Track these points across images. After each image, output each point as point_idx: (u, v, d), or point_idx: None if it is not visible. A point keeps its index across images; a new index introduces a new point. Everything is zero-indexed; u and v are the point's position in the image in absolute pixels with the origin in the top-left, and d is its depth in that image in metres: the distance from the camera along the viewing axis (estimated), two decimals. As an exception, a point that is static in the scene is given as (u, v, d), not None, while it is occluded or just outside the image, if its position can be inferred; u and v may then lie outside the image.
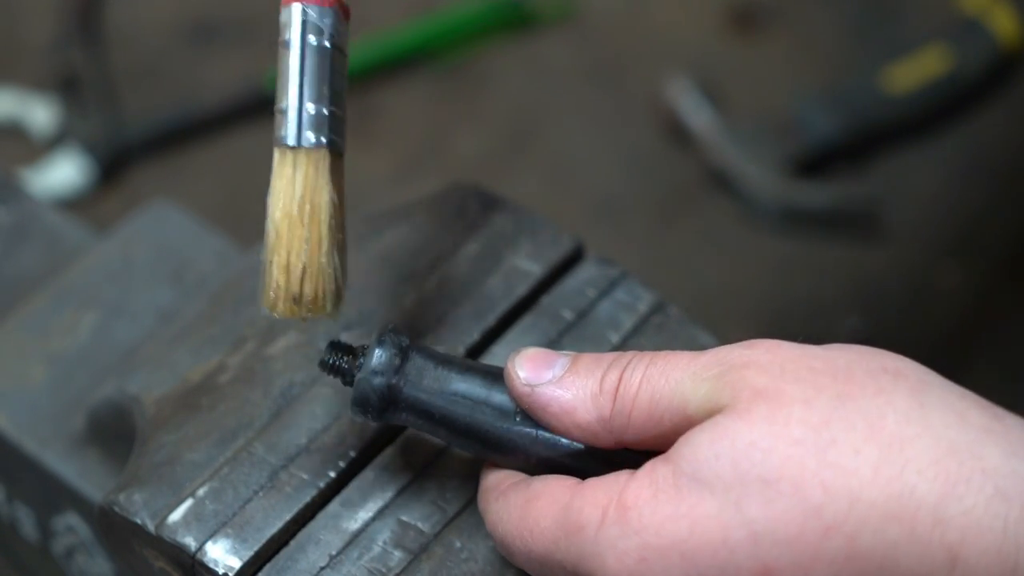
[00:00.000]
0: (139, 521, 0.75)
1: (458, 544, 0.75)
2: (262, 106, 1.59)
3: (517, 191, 0.95)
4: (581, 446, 0.70)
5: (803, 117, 1.59)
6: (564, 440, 0.70)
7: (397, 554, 0.75)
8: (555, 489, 0.68)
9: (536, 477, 0.70)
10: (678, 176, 1.59)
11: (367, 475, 0.77)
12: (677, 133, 1.61)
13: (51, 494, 0.91)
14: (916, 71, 1.61)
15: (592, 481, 0.67)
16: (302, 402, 0.79)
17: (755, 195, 1.56)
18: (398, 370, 0.71)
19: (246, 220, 1.51)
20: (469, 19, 1.69)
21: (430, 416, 0.72)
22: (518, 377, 0.70)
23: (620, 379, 0.68)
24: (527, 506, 0.68)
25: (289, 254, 0.71)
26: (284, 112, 0.71)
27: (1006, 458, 0.61)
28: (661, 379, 0.67)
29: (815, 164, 1.59)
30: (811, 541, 0.62)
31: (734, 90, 1.64)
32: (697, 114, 1.60)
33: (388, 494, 0.77)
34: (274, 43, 0.72)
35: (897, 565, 0.61)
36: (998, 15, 1.64)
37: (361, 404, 0.71)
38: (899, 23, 1.69)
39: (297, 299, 0.71)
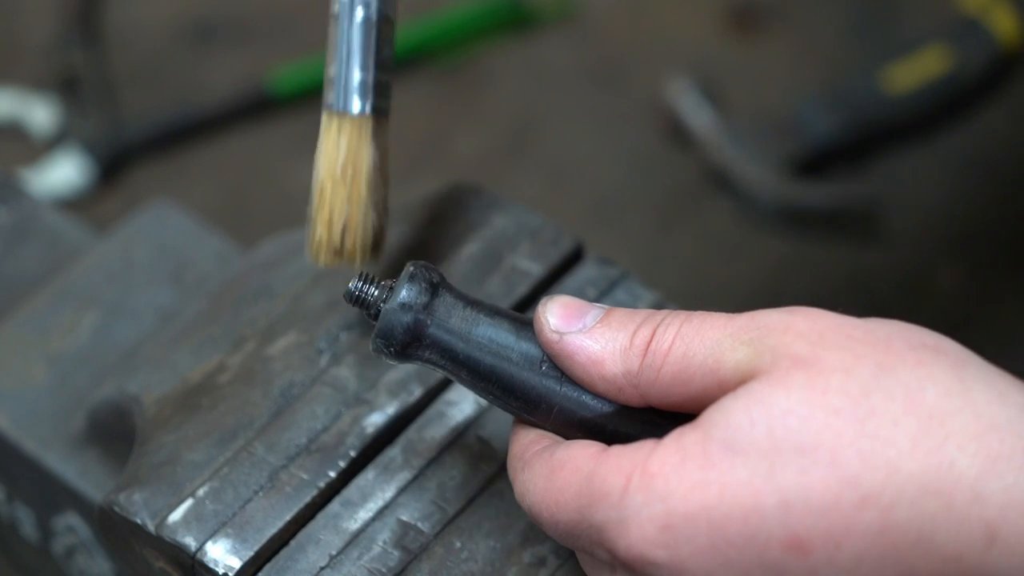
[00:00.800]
0: (139, 521, 0.75)
1: (458, 544, 0.75)
2: (262, 106, 1.59)
3: (517, 191, 0.96)
4: (604, 402, 0.68)
5: (803, 117, 1.59)
6: (587, 395, 0.69)
7: (397, 554, 0.75)
8: (578, 458, 0.66)
9: (560, 444, 0.68)
10: (678, 176, 1.59)
11: (367, 475, 0.77)
12: (677, 133, 1.61)
13: (51, 494, 0.91)
14: (916, 71, 1.61)
15: (616, 449, 0.66)
16: (302, 402, 0.79)
17: (755, 195, 1.55)
18: (426, 307, 0.70)
19: (246, 220, 1.51)
20: (469, 19, 1.69)
21: (454, 357, 0.70)
22: (547, 323, 0.69)
23: (653, 334, 0.67)
24: (551, 476, 0.67)
25: (331, 211, 0.77)
26: (332, 80, 0.77)
27: None
28: (696, 337, 0.66)
29: (815, 164, 1.59)
30: (845, 512, 0.61)
31: (734, 90, 1.63)
32: (697, 114, 1.59)
33: (388, 494, 0.77)
34: (274, 43, 0.74)
35: (933, 539, 0.60)
36: (998, 15, 1.64)
37: (385, 337, 0.70)
38: (899, 23, 1.68)
39: (338, 251, 0.78)
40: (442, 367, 0.71)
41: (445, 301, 0.70)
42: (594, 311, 0.69)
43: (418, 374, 0.80)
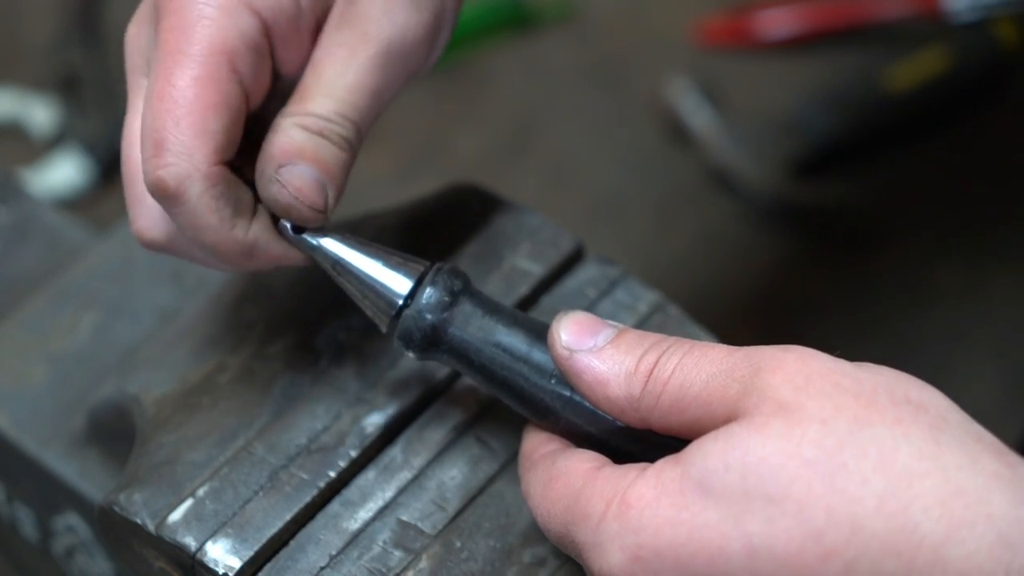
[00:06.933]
0: (139, 521, 0.75)
1: (458, 544, 0.75)
2: (262, 106, 1.59)
3: (517, 191, 0.95)
4: (608, 420, 0.70)
5: (803, 117, 1.59)
6: (593, 410, 0.70)
7: (397, 554, 0.75)
8: (573, 472, 0.69)
9: (562, 452, 0.71)
10: (678, 176, 1.59)
11: (367, 475, 0.77)
12: (677, 133, 1.61)
13: (51, 494, 0.91)
14: (916, 71, 1.61)
15: (606, 471, 0.68)
16: (302, 402, 0.79)
17: (755, 195, 1.55)
18: (446, 311, 0.72)
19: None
20: (469, 19, 1.69)
21: (469, 362, 0.72)
22: (559, 339, 0.70)
23: (656, 362, 0.68)
24: (548, 485, 0.70)
25: None
26: None
27: (1013, 506, 0.61)
28: (694, 370, 0.67)
29: (815, 164, 1.59)
30: (808, 564, 0.62)
31: (734, 90, 1.63)
32: (697, 114, 1.60)
33: (388, 494, 0.77)
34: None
35: None
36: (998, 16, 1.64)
37: (404, 339, 0.73)
38: (899, 23, 1.68)
39: None
40: (459, 369, 0.73)
41: (464, 308, 0.72)
42: (606, 331, 0.71)
43: (418, 374, 0.80)
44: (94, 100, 1.61)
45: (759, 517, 0.62)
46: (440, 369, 0.80)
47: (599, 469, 0.68)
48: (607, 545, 0.65)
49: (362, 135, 0.74)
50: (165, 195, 0.71)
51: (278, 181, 0.72)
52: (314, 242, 0.74)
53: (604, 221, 1.55)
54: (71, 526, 0.92)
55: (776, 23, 1.68)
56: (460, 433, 0.79)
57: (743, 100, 1.63)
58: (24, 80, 1.65)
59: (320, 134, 0.72)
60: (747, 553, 0.62)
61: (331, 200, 0.73)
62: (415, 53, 0.75)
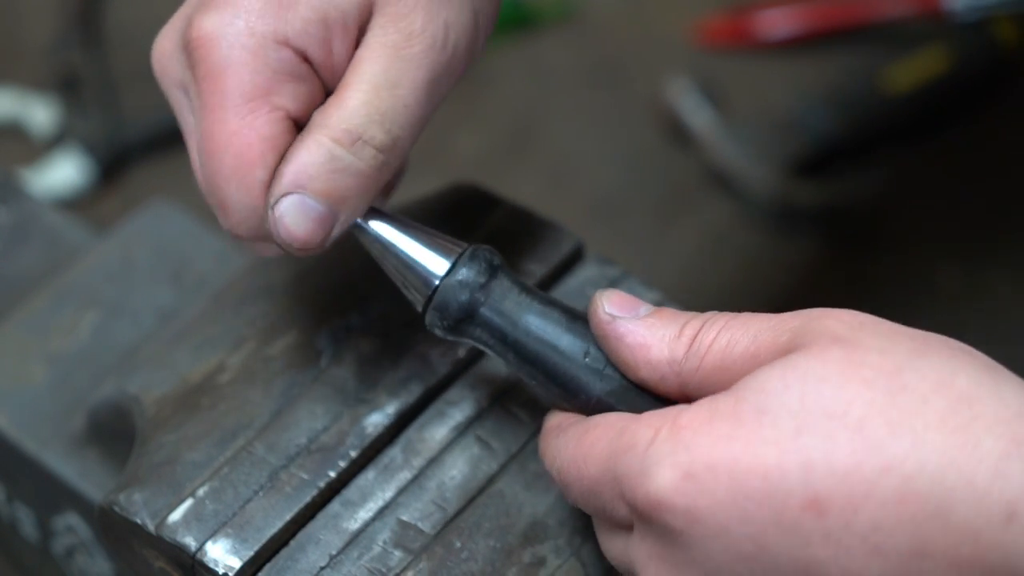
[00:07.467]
0: (139, 521, 0.75)
1: (458, 544, 0.75)
2: (262, 106, 1.59)
3: (517, 191, 0.95)
4: (642, 397, 0.70)
5: (803, 117, 1.59)
6: (626, 388, 0.71)
7: (397, 554, 0.75)
8: (612, 417, 0.69)
9: (594, 416, 0.71)
10: (678, 176, 1.59)
11: (367, 475, 0.77)
12: (677, 133, 1.61)
13: (51, 494, 0.91)
14: (916, 71, 1.61)
15: (649, 412, 0.67)
16: (302, 402, 0.79)
17: (755, 195, 1.55)
18: (482, 287, 0.72)
19: (246, 220, 1.50)
20: (469, 19, 1.69)
21: (503, 338, 0.73)
22: (602, 306, 0.71)
23: (700, 328, 0.69)
24: (584, 435, 0.69)
25: None
26: None
27: None
28: (740, 329, 0.67)
29: (815, 164, 1.59)
30: (867, 476, 0.61)
31: (734, 90, 1.63)
32: (697, 114, 1.59)
33: (388, 494, 0.77)
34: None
35: (951, 511, 0.61)
36: (998, 16, 1.64)
37: (440, 311, 0.73)
38: (899, 23, 1.68)
39: None
40: (490, 347, 0.73)
41: (502, 284, 0.73)
42: (646, 306, 0.71)
43: (418, 374, 0.80)
44: (94, 100, 1.61)
45: (818, 432, 0.62)
46: (441, 368, 0.80)
47: (639, 414, 0.68)
48: (655, 467, 0.64)
49: (402, 145, 0.73)
50: (249, 241, 0.73)
51: (274, 213, 0.71)
52: (355, 219, 0.73)
53: (604, 221, 1.55)
54: (71, 526, 0.92)
55: (776, 23, 1.68)
56: (460, 433, 0.79)
57: (743, 100, 1.63)
58: (24, 80, 1.65)
59: (348, 149, 0.71)
60: (804, 467, 0.62)
61: (339, 228, 0.71)
62: (459, 57, 0.74)
